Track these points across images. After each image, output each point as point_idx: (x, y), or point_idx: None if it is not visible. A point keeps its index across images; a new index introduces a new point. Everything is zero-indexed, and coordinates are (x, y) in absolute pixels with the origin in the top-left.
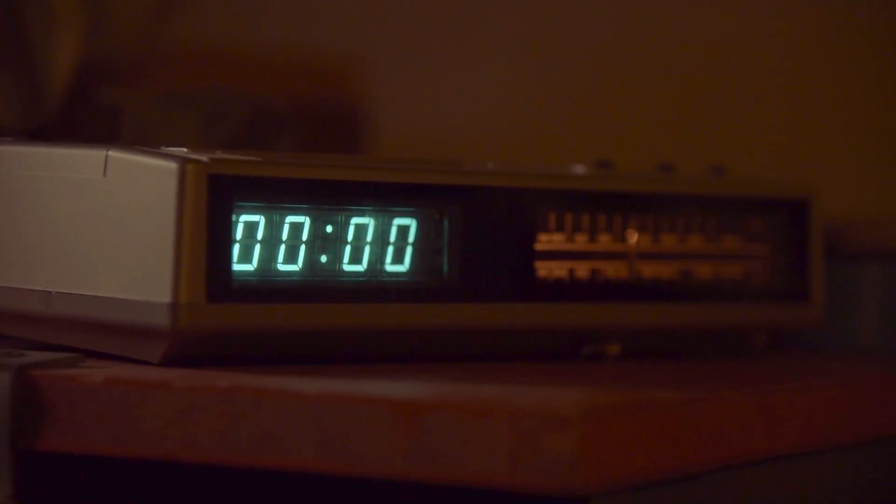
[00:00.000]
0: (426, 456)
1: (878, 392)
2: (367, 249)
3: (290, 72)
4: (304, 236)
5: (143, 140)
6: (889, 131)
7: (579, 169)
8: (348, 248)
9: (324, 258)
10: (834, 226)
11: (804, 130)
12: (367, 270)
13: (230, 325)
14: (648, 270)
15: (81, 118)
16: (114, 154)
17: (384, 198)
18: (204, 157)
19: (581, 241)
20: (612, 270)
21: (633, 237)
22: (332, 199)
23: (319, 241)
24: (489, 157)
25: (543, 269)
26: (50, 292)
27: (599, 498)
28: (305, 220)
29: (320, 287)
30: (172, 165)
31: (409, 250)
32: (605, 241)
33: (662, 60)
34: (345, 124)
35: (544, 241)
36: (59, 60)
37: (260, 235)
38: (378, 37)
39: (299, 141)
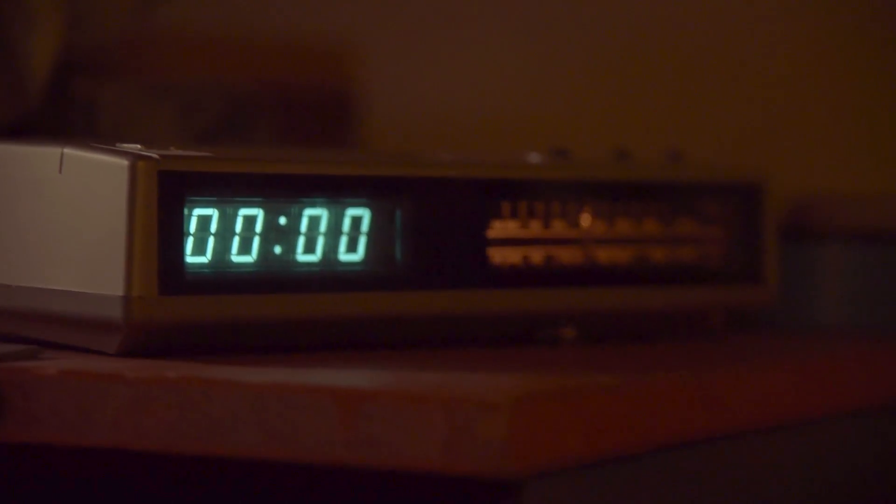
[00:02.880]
0: (365, 443)
1: (825, 371)
2: (320, 240)
3: (282, 58)
4: (258, 228)
5: (121, 132)
6: (847, 111)
7: (534, 157)
8: (302, 239)
9: (278, 249)
10: (797, 205)
11: (766, 112)
12: (321, 260)
13: (184, 317)
14: (603, 255)
15: (60, 112)
16: (69, 151)
17: (336, 190)
18: (155, 154)
19: (535, 228)
20: (567, 256)
21: (588, 223)
22: (285, 192)
23: (273, 233)
24: (483, 143)
25: (497, 255)
26: (10, 286)
27: (532, 481)
28: (259, 213)
29: (274, 278)
30: (123, 163)
31: (362, 240)
32: (559, 228)
33: (653, 45)
34: (337, 110)
35: (498, 229)
36: (38, 55)
37: (213, 228)
38: (372, 22)
39: (278, 130)
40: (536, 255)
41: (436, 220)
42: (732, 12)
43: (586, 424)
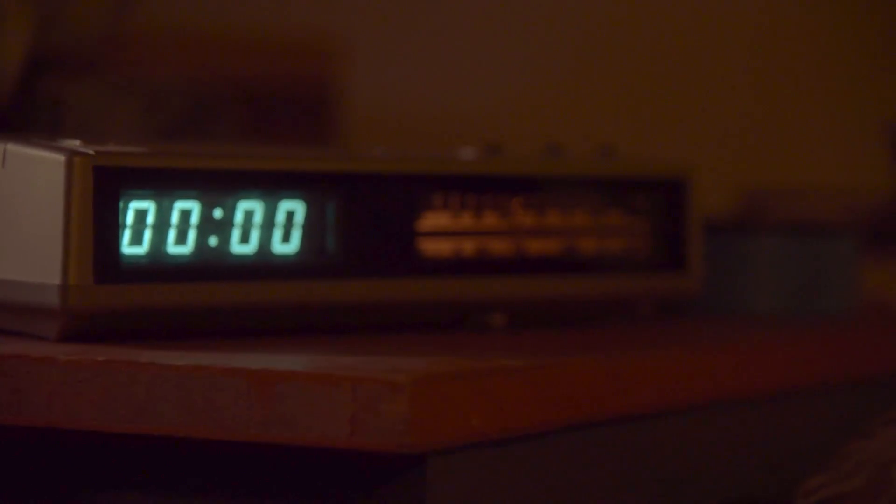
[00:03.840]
0: (279, 421)
1: (735, 355)
2: (255, 232)
3: (260, 54)
4: (194, 221)
5: (87, 129)
6: (786, 109)
7: (467, 152)
8: (237, 231)
9: (213, 241)
10: (743, 198)
11: (708, 109)
12: (255, 251)
13: (120, 304)
14: (533, 246)
15: (29, 109)
16: (11, 147)
17: (270, 184)
18: (91, 150)
19: (466, 220)
20: (498, 247)
21: (518, 215)
22: (220, 186)
23: (209, 225)
24: (464, 136)
25: (428, 246)
26: None
27: (435, 456)
28: (195, 206)
29: (209, 268)
30: (60, 158)
31: (296, 232)
32: (490, 219)
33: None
34: (315, 105)
35: (428, 221)
36: (6, 55)
37: (150, 221)
38: (354, 19)
39: (248, 124)
40: (467, 246)
41: (367, 213)
42: (675, 11)
43: (489, 403)
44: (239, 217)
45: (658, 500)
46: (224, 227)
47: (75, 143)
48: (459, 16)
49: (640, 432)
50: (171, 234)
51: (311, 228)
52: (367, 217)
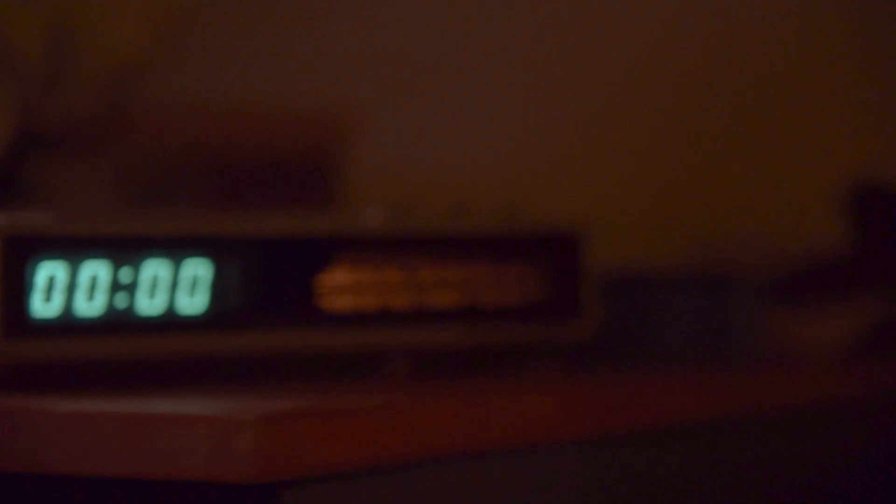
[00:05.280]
0: (148, 458)
1: (594, 396)
2: (161, 292)
3: (266, 124)
4: (102, 283)
5: (57, 200)
6: (667, 179)
7: (372, 212)
8: (144, 291)
9: (121, 301)
10: (702, 246)
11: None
12: (161, 311)
13: (29, 360)
14: (434, 299)
15: (8, 184)
16: None
17: (176, 247)
18: (2, 220)
19: (368, 276)
20: (399, 301)
21: (418, 271)
22: (127, 250)
23: (117, 286)
24: (468, 203)
25: (330, 302)
26: None
27: (286, 487)
28: (103, 269)
29: (117, 326)
30: None
31: (201, 291)
32: (392, 276)
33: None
34: (320, 172)
35: (331, 278)
36: None
37: (59, 283)
38: (357, 88)
39: (216, 193)
40: (369, 301)
41: (270, 274)
42: (624, 67)
43: (337, 440)
44: (146, 278)
45: None
46: (131, 289)
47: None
48: (462, 87)
49: (493, 469)
50: (81, 296)
51: (216, 287)
52: (270, 277)
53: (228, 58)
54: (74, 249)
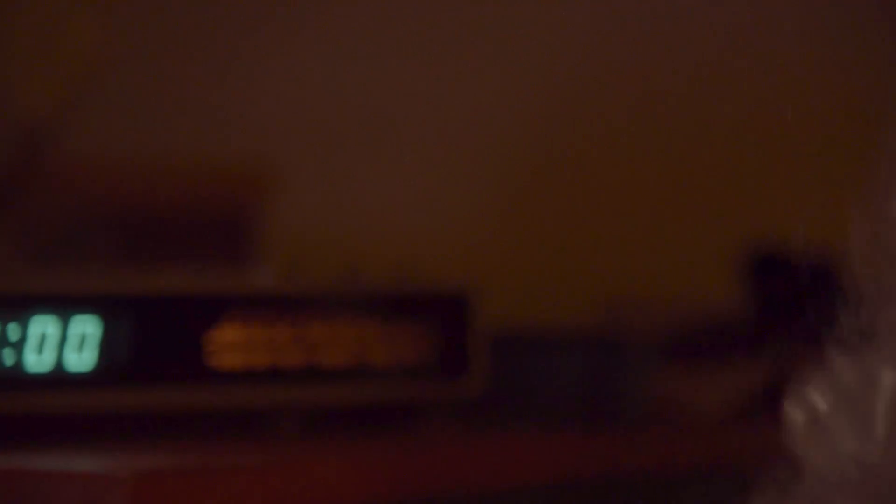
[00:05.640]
0: None
1: (477, 453)
2: (49, 349)
3: (183, 178)
4: None
5: None
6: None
7: (263, 270)
8: (32, 348)
9: (9, 358)
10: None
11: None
12: (49, 367)
13: None
14: (323, 357)
15: None
16: None
17: (64, 304)
18: None
19: (258, 334)
20: (289, 359)
21: (307, 329)
22: (15, 307)
23: (4, 343)
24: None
25: (219, 359)
26: None
27: None
28: None
29: (5, 382)
30: None
31: (89, 347)
32: (282, 334)
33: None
34: (235, 229)
35: (220, 336)
36: None
37: None
38: (276, 145)
39: (119, 249)
40: (259, 358)
41: (159, 331)
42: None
43: (215, 498)
44: (33, 334)
45: None
46: (19, 345)
47: None
48: (369, 147)
49: None
50: None
51: (104, 344)
52: (158, 334)
53: (146, 111)
54: None
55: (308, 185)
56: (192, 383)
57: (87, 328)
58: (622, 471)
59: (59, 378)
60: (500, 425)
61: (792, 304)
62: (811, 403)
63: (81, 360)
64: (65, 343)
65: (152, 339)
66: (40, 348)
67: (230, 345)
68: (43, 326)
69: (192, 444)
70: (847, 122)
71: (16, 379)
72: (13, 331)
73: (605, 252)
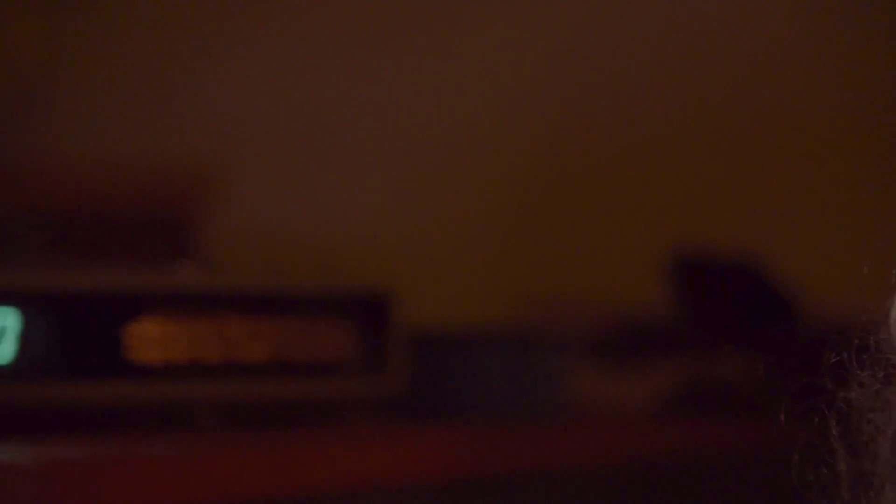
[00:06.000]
0: None
1: (393, 449)
2: None
3: (129, 177)
4: None
5: None
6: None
7: (184, 267)
8: None
9: None
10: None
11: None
12: None
13: None
14: (243, 353)
15: None
16: None
17: None
18: None
19: (179, 331)
20: (210, 354)
21: (229, 325)
22: None
23: None
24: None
25: (139, 354)
26: None
27: None
28: None
29: None
30: None
31: (8, 341)
32: (203, 330)
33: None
34: (180, 227)
35: (140, 330)
36: None
37: None
38: (225, 144)
39: (55, 247)
40: (179, 354)
41: (79, 326)
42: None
43: (123, 488)
44: None
45: None
46: None
47: None
48: (314, 147)
49: None
50: None
51: (24, 338)
52: (77, 328)
53: (93, 110)
54: None
55: (250, 183)
56: (111, 377)
57: (6, 321)
58: (528, 467)
59: None
60: (418, 422)
61: (716, 304)
62: None
63: (0, 353)
64: None
65: (71, 333)
66: None
67: (150, 340)
68: None
69: (109, 437)
70: (776, 126)
71: None
72: None
73: (532, 251)
